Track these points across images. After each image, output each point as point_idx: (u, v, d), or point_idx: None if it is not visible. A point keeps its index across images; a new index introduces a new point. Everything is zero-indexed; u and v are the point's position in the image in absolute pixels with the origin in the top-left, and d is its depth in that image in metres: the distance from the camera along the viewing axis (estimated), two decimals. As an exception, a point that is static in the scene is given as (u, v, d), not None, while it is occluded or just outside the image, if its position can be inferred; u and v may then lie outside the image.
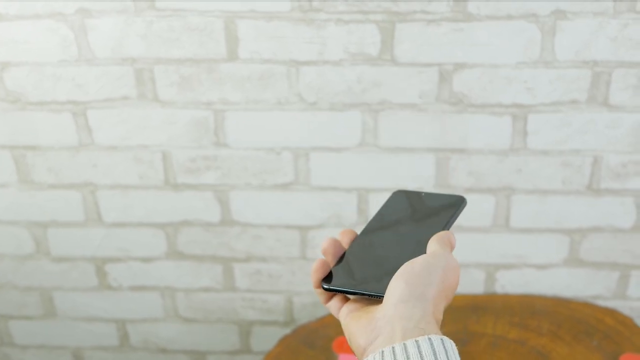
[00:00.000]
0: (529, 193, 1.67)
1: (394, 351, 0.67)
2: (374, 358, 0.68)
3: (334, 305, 0.79)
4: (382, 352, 0.67)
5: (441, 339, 0.68)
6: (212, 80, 1.58)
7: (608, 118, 1.57)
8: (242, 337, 1.94)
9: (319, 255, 1.78)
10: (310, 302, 1.86)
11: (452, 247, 0.77)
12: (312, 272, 0.79)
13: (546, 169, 1.63)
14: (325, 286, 0.77)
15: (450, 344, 0.68)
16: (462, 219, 1.71)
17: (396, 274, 0.72)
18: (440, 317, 0.72)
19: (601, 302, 1.80)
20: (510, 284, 1.79)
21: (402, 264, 0.75)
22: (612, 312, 1.71)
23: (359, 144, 1.63)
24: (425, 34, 1.50)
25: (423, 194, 0.87)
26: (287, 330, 1.90)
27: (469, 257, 1.76)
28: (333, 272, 0.79)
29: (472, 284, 1.80)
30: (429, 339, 0.67)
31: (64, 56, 1.58)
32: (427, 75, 1.55)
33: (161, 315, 1.92)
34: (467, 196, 1.68)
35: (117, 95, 1.62)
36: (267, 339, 1.93)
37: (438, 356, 0.67)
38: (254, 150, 1.66)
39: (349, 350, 1.62)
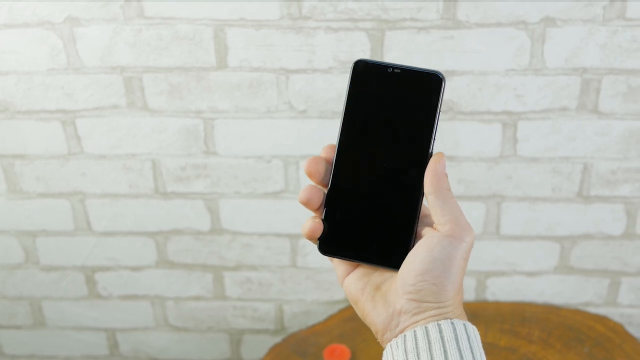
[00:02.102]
0: (519, 200, 1.67)
1: (415, 335, 0.66)
2: (397, 343, 0.67)
3: (336, 264, 0.75)
4: (404, 335, 0.66)
5: (464, 324, 0.67)
6: (202, 88, 1.58)
7: (598, 125, 1.57)
8: (233, 346, 1.93)
9: (310, 263, 1.78)
10: (300, 310, 1.85)
11: (444, 169, 0.71)
12: (307, 236, 0.74)
13: (536, 176, 1.63)
14: (323, 252, 0.73)
15: (473, 330, 0.67)
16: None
17: (412, 258, 0.68)
18: (462, 296, 0.71)
19: (592, 309, 1.80)
20: (501, 291, 1.79)
21: (403, 222, 0.72)
22: (602, 319, 1.71)
23: (349, 152, 1.63)
24: (414, 42, 1.50)
25: (390, 69, 0.74)
26: (277, 339, 1.90)
27: (459, 265, 1.76)
28: (326, 232, 0.73)
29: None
30: (452, 322, 0.66)
31: (53, 65, 1.57)
32: (417, 82, 1.55)
33: (151, 325, 1.91)
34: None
35: (106, 104, 1.61)
36: (257, 348, 1.92)
37: (460, 341, 0.66)
38: (243, 159, 1.66)
39: (340, 357, 1.62)
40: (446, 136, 1.60)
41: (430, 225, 0.72)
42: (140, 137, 1.64)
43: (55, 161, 1.68)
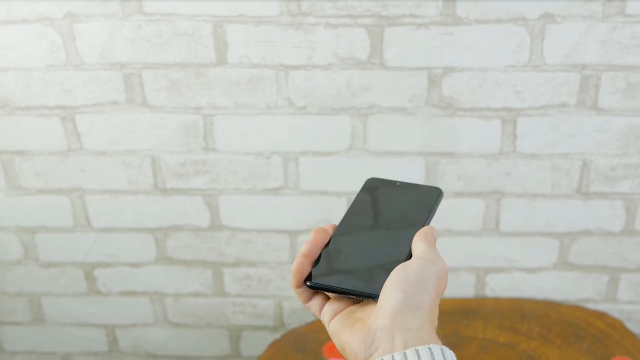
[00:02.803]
0: (518, 197, 1.67)
1: None
2: None
3: (315, 305, 0.77)
4: None
5: (441, 349, 0.67)
6: (201, 84, 1.58)
7: (597, 121, 1.57)
8: (232, 342, 1.93)
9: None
10: (300, 307, 1.85)
11: (435, 236, 0.76)
12: (293, 273, 0.76)
13: (536, 173, 1.63)
14: (309, 283, 0.75)
15: (451, 354, 0.68)
16: (452, 223, 1.71)
17: (389, 280, 0.71)
18: (436, 323, 0.72)
19: (591, 306, 1.80)
20: (501, 287, 1.79)
21: (389, 262, 0.75)
22: (602, 315, 1.71)
23: (349, 148, 1.63)
24: (414, 38, 1.50)
25: (397, 184, 0.85)
26: (277, 335, 1.90)
27: (459, 261, 1.76)
28: (315, 269, 0.77)
29: (462, 288, 1.80)
30: (429, 348, 0.67)
31: (52, 61, 1.57)
32: (417, 79, 1.55)
33: (151, 321, 1.91)
34: (456, 200, 1.68)
35: (106, 100, 1.61)
36: (257, 344, 1.92)
37: None
38: (243, 155, 1.66)
39: (339, 355, 1.62)
40: (446, 133, 1.60)
41: None
42: (139, 133, 1.64)
43: (55, 157, 1.68)
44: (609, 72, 1.52)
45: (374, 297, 0.72)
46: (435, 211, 0.81)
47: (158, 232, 1.77)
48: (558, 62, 1.51)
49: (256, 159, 1.66)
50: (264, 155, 1.65)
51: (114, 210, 1.75)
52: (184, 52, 1.55)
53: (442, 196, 0.83)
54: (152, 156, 1.67)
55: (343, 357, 0.75)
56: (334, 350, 1.63)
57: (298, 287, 0.76)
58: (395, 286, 0.70)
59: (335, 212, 1.71)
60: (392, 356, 0.67)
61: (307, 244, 0.78)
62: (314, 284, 0.75)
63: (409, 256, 0.76)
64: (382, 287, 0.72)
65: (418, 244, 0.75)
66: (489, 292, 1.81)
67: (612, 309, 1.81)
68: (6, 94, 1.61)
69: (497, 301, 1.76)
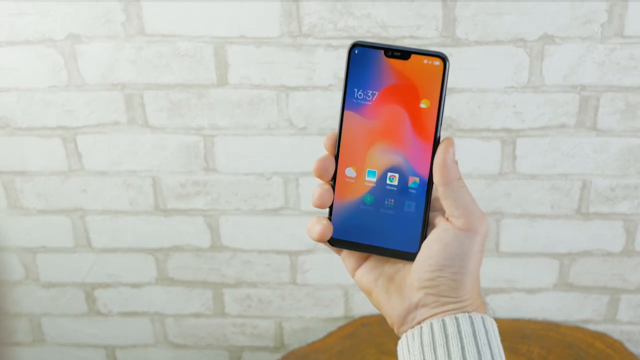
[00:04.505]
0: (518, 217, 1.67)
1: (431, 328, 0.65)
2: (412, 335, 0.66)
3: (345, 256, 0.73)
4: (421, 327, 0.65)
5: (482, 318, 0.65)
6: (202, 105, 1.58)
7: (596, 142, 1.57)
8: (232, 363, 1.93)
9: (310, 280, 1.78)
10: (300, 327, 1.85)
11: (454, 156, 0.69)
12: (317, 239, 0.70)
13: (535, 193, 1.64)
14: (334, 244, 0.71)
15: (492, 324, 0.66)
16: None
17: (427, 249, 0.67)
18: (479, 286, 0.69)
19: (591, 326, 1.80)
20: (500, 308, 1.79)
21: (415, 211, 0.69)
22: (602, 336, 1.71)
23: (349, 169, 1.63)
24: (414, 59, 1.51)
25: (390, 53, 0.71)
26: (277, 356, 1.89)
27: (459, 282, 1.76)
28: (334, 220, 0.71)
29: (462, 309, 1.80)
30: (470, 316, 0.65)
31: (54, 82, 1.58)
32: (416, 100, 1.55)
33: (151, 341, 1.91)
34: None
35: (107, 121, 1.62)
36: (257, 365, 1.92)
37: (478, 336, 0.64)
38: (243, 176, 1.66)
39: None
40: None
41: (441, 210, 0.70)
42: (140, 154, 1.65)
43: (56, 178, 1.69)
44: (608, 93, 1.53)
45: (408, 260, 0.69)
46: (445, 92, 0.70)
47: (159, 253, 1.77)
48: (557, 83, 1.52)
49: (257, 179, 1.66)
50: (265, 175, 1.66)
51: (115, 230, 1.75)
52: (185, 73, 1.56)
53: (449, 64, 0.69)
54: (153, 177, 1.67)
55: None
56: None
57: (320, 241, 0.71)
58: (437, 270, 0.66)
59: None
60: (431, 324, 0.65)
61: (318, 196, 0.71)
62: (338, 246, 0.71)
63: (431, 188, 0.70)
64: (416, 251, 0.68)
65: (446, 195, 0.68)
66: (489, 313, 1.80)
67: (612, 330, 1.80)
68: (8, 115, 1.62)
69: (497, 322, 1.76)
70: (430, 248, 0.67)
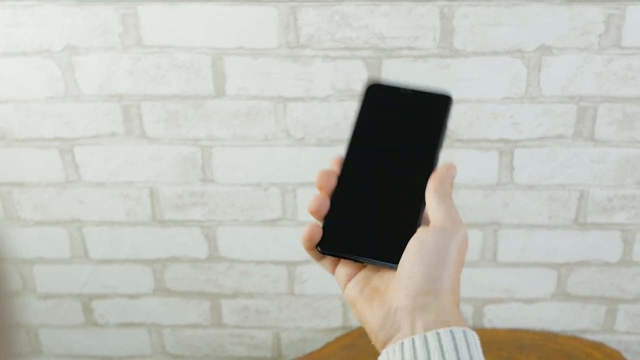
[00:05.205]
0: (516, 227, 1.67)
1: (413, 344, 0.64)
2: (394, 350, 0.66)
3: (327, 263, 0.74)
4: (402, 343, 0.65)
5: (463, 331, 0.65)
6: (200, 116, 1.58)
7: (594, 152, 1.58)
8: (230, 374, 1.93)
9: (308, 291, 1.78)
10: (298, 337, 1.85)
11: (452, 179, 0.72)
12: (304, 238, 0.72)
13: (533, 204, 1.64)
14: (321, 249, 0.71)
15: (473, 337, 0.66)
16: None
17: (408, 253, 0.68)
18: (459, 298, 0.70)
19: (589, 336, 1.80)
20: (498, 318, 1.79)
21: (404, 219, 0.71)
22: (599, 346, 1.71)
23: (347, 179, 1.63)
24: (411, 70, 1.51)
25: (402, 91, 0.80)
26: (275, 367, 1.89)
27: (457, 292, 1.76)
28: (326, 231, 0.72)
29: (460, 319, 1.80)
30: (451, 331, 0.65)
31: (51, 93, 1.58)
32: (414, 110, 1.55)
33: (148, 352, 1.90)
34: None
35: (105, 132, 1.61)
36: (254, 376, 1.92)
37: (460, 350, 0.64)
38: (241, 186, 1.66)
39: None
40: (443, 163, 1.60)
41: (426, 221, 0.72)
42: (138, 165, 1.64)
43: (53, 189, 1.68)
44: (605, 103, 1.53)
45: (391, 267, 0.69)
46: (447, 126, 0.77)
47: (156, 264, 1.77)
48: (555, 93, 1.52)
49: (254, 190, 1.66)
50: (262, 186, 1.65)
51: (112, 241, 1.75)
52: (182, 84, 1.56)
53: (452, 103, 0.77)
54: (150, 188, 1.67)
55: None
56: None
57: (310, 250, 0.72)
58: (414, 265, 0.67)
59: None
60: (412, 339, 0.65)
61: (315, 201, 0.73)
62: (326, 252, 0.72)
63: (423, 206, 0.72)
64: (400, 256, 0.69)
65: (432, 200, 0.70)
66: (486, 323, 1.80)
67: (610, 340, 1.80)
68: (5, 126, 1.62)
69: (495, 332, 1.76)
70: (409, 248, 0.68)
